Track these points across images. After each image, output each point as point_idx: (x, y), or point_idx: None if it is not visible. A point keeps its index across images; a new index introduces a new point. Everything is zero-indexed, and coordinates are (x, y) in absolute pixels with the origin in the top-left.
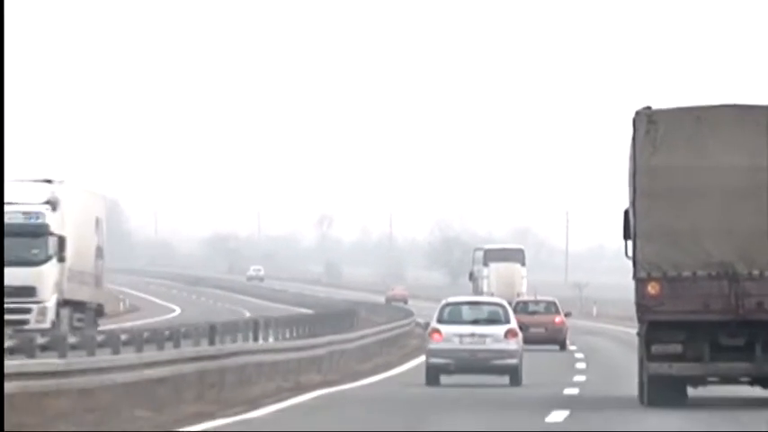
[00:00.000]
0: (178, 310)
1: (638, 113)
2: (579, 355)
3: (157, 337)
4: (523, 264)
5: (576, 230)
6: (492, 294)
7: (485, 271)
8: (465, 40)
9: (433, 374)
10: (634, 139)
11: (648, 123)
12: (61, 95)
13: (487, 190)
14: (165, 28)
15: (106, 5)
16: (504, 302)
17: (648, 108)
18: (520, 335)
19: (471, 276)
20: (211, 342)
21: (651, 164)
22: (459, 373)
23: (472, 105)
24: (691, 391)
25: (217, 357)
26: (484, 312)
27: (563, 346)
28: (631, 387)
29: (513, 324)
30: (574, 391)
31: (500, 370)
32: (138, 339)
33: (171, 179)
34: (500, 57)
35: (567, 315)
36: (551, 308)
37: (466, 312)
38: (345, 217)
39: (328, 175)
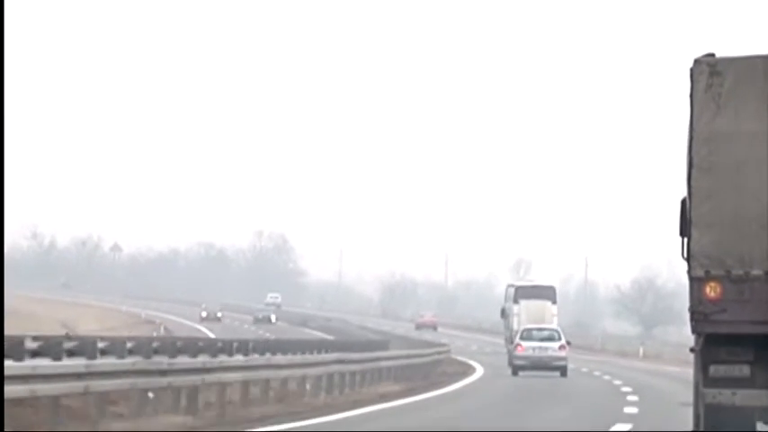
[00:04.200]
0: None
1: (696, 62)
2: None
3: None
4: (554, 301)
5: None
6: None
7: (515, 308)
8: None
9: (516, 370)
10: (692, 96)
11: (711, 76)
12: (243, 136)
13: None
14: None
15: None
16: (559, 328)
17: (711, 56)
18: (567, 347)
19: (503, 313)
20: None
21: (713, 129)
22: (531, 369)
23: (676, 145)
24: (761, 428)
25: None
26: (546, 334)
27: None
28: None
29: (563, 341)
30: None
31: (555, 368)
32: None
33: (355, 219)
34: None
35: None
36: (554, 335)
37: (535, 334)
38: (544, 262)
39: (526, 218)
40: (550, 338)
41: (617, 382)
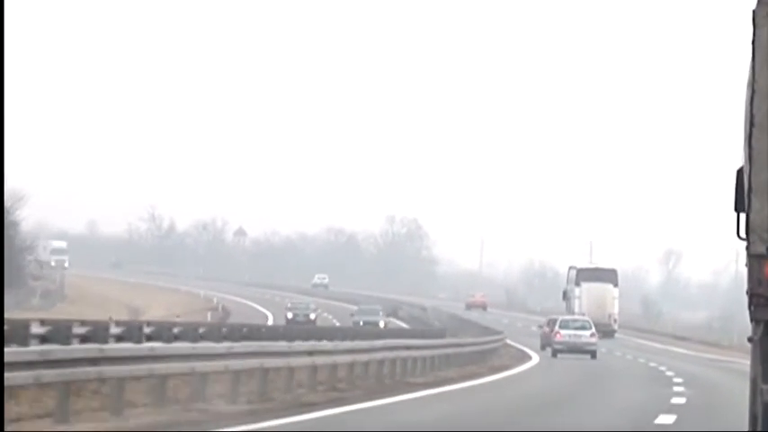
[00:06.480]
0: (271, 317)
1: (761, 4)
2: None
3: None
4: (616, 285)
5: None
6: (583, 315)
7: (577, 291)
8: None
9: (555, 352)
10: (754, 44)
11: None
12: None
13: None
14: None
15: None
16: (589, 318)
17: None
18: (597, 335)
19: (565, 295)
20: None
21: None
22: (568, 352)
23: None
24: None
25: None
26: (579, 324)
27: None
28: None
29: (593, 330)
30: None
31: (587, 352)
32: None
33: (495, 207)
34: None
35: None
36: (586, 325)
37: (571, 323)
38: (695, 253)
39: (676, 207)
40: (583, 327)
41: (676, 400)
